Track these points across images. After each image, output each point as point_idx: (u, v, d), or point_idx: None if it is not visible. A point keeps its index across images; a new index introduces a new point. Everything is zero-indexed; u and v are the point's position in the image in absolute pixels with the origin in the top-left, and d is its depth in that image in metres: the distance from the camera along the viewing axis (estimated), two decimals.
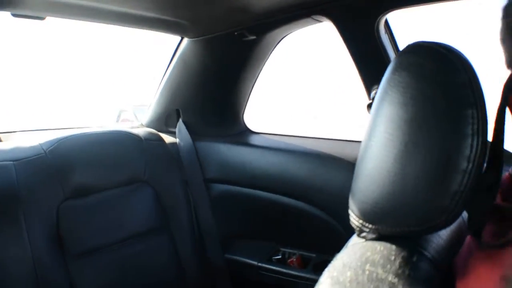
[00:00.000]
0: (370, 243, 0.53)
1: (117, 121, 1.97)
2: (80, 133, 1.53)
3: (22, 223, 1.27)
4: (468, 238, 0.53)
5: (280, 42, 1.66)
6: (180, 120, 1.84)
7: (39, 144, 1.43)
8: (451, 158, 0.45)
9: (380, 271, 0.47)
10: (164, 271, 1.54)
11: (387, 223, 0.51)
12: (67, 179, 1.40)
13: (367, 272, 0.47)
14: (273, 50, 1.68)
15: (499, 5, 0.48)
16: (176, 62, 1.75)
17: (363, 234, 0.55)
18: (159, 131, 1.84)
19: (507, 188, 0.50)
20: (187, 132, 1.81)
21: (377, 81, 0.56)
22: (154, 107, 1.91)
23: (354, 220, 0.56)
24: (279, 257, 1.62)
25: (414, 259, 0.49)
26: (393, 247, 0.50)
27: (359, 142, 0.58)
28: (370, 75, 1.31)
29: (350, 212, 0.57)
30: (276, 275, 1.56)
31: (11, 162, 1.33)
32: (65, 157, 1.43)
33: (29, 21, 1.32)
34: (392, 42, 1.32)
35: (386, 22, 1.29)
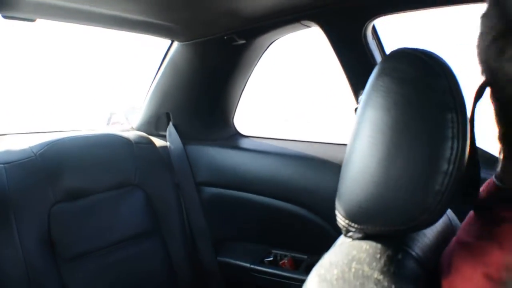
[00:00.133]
0: (356, 242, 0.54)
1: (108, 123, 1.96)
2: (71, 136, 1.53)
3: (13, 225, 1.27)
4: (454, 238, 0.54)
5: (270, 47, 1.67)
6: (171, 123, 1.84)
7: (29, 147, 1.43)
8: (432, 160, 0.47)
9: (366, 268, 0.48)
10: (157, 274, 1.55)
11: (372, 223, 0.52)
12: (57, 182, 1.40)
13: (353, 270, 0.49)
14: (262, 54, 1.69)
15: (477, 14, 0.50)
16: (167, 66, 1.75)
17: (350, 233, 0.56)
18: (149, 134, 1.84)
19: (495, 198, 0.51)
20: (177, 136, 1.81)
21: (364, 86, 0.58)
22: (145, 111, 1.91)
23: (341, 220, 0.57)
24: (271, 259, 1.63)
25: (399, 257, 0.50)
26: (379, 245, 0.52)
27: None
28: (358, 79, 1.33)
29: (336, 212, 0.58)
30: (269, 277, 1.57)
31: (1, 165, 1.33)
32: (56, 160, 1.43)
33: (19, 23, 1.32)
34: (380, 48, 1.33)
35: (374, 28, 1.31)
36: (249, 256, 1.66)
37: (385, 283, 0.46)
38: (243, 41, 1.55)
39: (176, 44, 1.69)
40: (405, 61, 0.51)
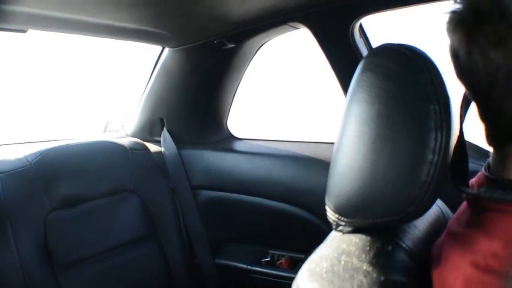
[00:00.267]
0: (346, 236, 0.55)
1: (104, 132, 1.97)
2: (65, 144, 1.54)
3: (9, 234, 1.27)
4: (446, 229, 0.55)
5: (259, 50, 1.69)
6: (165, 129, 1.85)
7: (24, 156, 1.43)
8: (417, 151, 0.47)
9: (355, 260, 0.49)
10: (154, 279, 1.55)
11: (361, 216, 0.53)
12: (53, 190, 1.40)
13: (342, 263, 0.49)
14: (252, 57, 1.71)
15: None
16: (158, 72, 1.76)
17: (340, 228, 0.57)
18: (144, 140, 1.85)
19: (481, 184, 0.52)
20: (171, 141, 1.82)
21: None
22: (138, 117, 1.92)
23: (330, 215, 0.57)
24: (268, 259, 1.63)
25: (389, 248, 0.51)
26: (368, 238, 0.53)
27: None
28: (347, 78, 1.34)
29: (326, 207, 0.59)
30: (266, 277, 1.57)
31: None
32: (51, 168, 1.43)
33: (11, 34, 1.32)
34: (368, 46, 1.34)
35: (361, 26, 1.32)
36: (246, 257, 1.67)
37: (374, 274, 0.47)
38: (233, 45, 1.56)
39: (167, 50, 1.70)
40: (388, 57, 0.52)
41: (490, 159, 0.52)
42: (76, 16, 1.24)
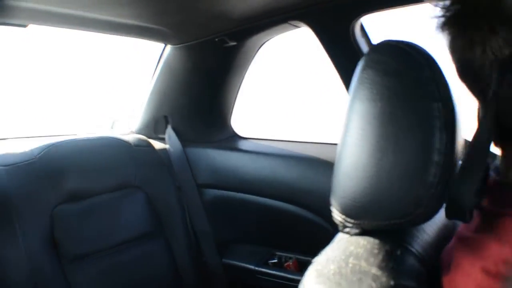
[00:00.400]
0: (354, 238, 0.54)
1: (111, 129, 1.99)
2: (70, 139, 1.54)
3: (16, 227, 1.27)
4: (455, 234, 0.54)
5: (261, 48, 1.68)
6: (169, 126, 1.85)
7: (30, 149, 1.43)
8: (422, 151, 0.46)
9: (363, 264, 0.48)
10: (161, 276, 1.55)
11: (368, 217, 0.52)
12: (59, 184, 1.40)
13: (350, 265, 0.48)
14: (254, 56, 1.70)
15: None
16: (161, 69, 1.76)
17: (347, 229, 0.56)
18: (148, 137, 1.84)
19: (495, 193, 0.50)
20: (176, 138, 1.82)
21: None
22: (143, 114, 1.92)
23: (337, 216, 0.56)
24: (275, 261, 1.62)
25: (398, 252, 0.50)
26: (377, 241, 0.52)
27: None
28: (349, 76, 1.33)
29: (332, 208, 0.57)
30: (273, 279, 1.57)
31: (2, 167, 1.33)
32: (56, 163, 1.43)
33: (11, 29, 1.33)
34: (369, 45, 1.33)
35: (361, 25, 1.31)
36: (253, 258, 1.66)
37: (383, 279, 0.45)
38: (234, 43, 1.55)
39: (169, 47, 1.70)
40: (388, 53, 0.51)
41: (498, 161, 0.51)
42: (77, 11, 1.24)
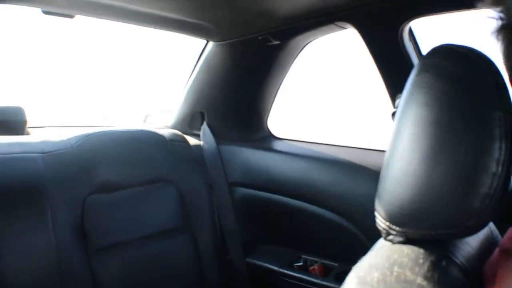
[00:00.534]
0: (397, 246, 0.52)
1: (144, 123, 2.02)
2: (107, 131, 1.57)
3: (47, 213, 1.31)
4: (498, 247, 0.52)
5: (304, 48, 1.66)
6: (205, 123, 1.86)
7: (67, 138, 1.47)
8: (479, 160, 0.44)
9: (408, 273, 0.46)
10: (185, 271, 1.56)
11: (415, 226, 0.50)
12: (92, 174, 1.43)
13: (395, 274, 0.47)
14: (297, 56, 1.68)
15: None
16: (201, 65, 1.77)
17: (390, 237, 0.54)
18: (183, 133, 1.86)
19: None
20: (211, 135, 1.83)
21: (402, 89, 0.56)
22: (179, 109, 1.94)
23: (381, 222, 0.55)
24: (301, 264, 1.61)
25: (443, 263, 0.48)
26: (421, 250, 0.50)
27: (384, 151, 0.57)
28: (394, 82, 1.30)
29: (376, 214, 0.56)
30: (297, 282, 1.55)
31: (39, 154, 1.37)
32: (92, 153, 1.46)
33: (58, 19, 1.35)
34: (417, 50, 1.30)
35: (410, 29, 1.28)
36: (278, 259, 1.65)
37: None
38: (278, 42, 1.54)
39: (211, 44, 1.71)
40: (446, 57, 0.50)
41: None
42: (122, 3, 1.27)
